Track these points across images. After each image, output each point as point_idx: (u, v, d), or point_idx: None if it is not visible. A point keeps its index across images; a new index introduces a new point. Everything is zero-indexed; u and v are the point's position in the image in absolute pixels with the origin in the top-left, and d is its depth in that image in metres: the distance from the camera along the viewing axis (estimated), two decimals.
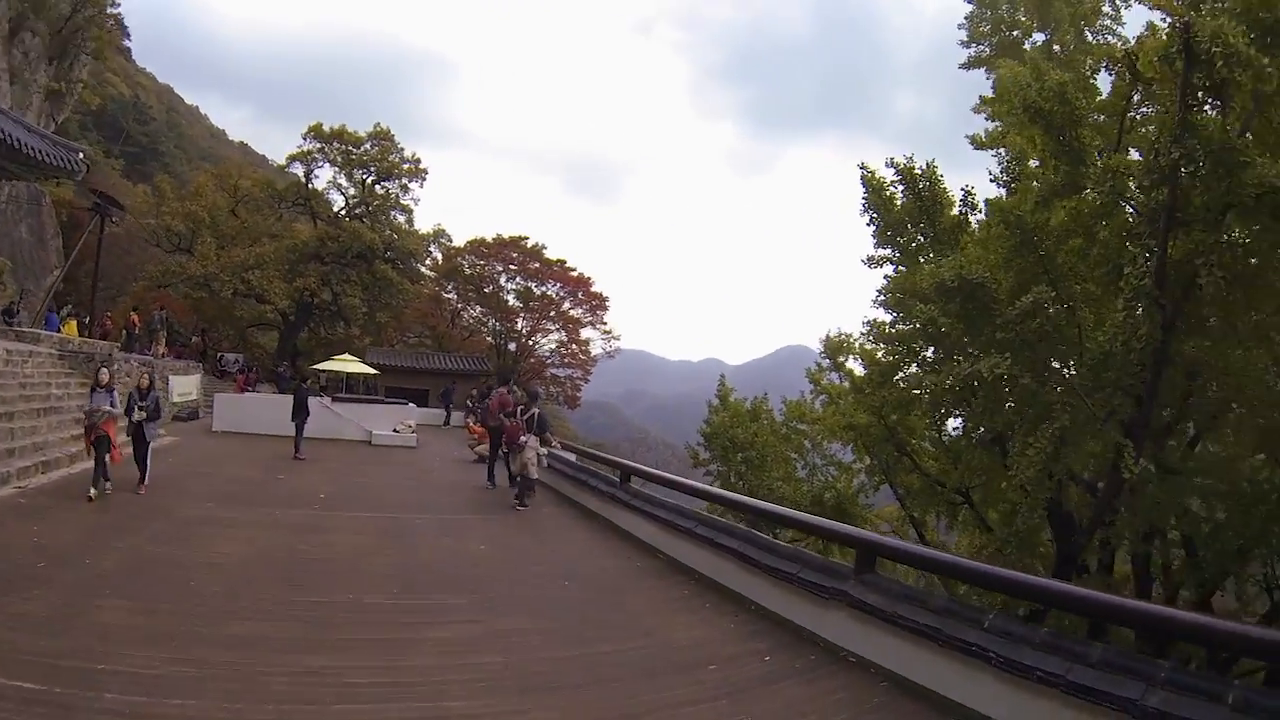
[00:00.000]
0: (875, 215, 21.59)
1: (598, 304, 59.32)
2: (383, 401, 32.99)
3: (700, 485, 13.82)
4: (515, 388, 24.04)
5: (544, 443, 16.99)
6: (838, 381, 31.60)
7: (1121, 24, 22.75)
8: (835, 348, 32.28)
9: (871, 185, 21.48)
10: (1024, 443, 16.03)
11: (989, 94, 25.00)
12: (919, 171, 20.78)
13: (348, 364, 36.79)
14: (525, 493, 16.49)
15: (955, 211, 21.00)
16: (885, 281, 22.39)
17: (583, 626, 8.56)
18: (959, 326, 17.62)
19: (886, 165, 21.17)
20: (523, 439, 16.57)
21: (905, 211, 21.24)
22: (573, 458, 19.62)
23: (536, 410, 17.07)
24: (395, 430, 28.18)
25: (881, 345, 22.83)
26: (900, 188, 21.29)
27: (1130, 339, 13.94)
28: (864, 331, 24.51)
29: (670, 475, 14.99)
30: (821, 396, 32.36)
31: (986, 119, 24.60)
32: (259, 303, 51.48)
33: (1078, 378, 15.39)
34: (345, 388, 42.16)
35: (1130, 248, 14.70)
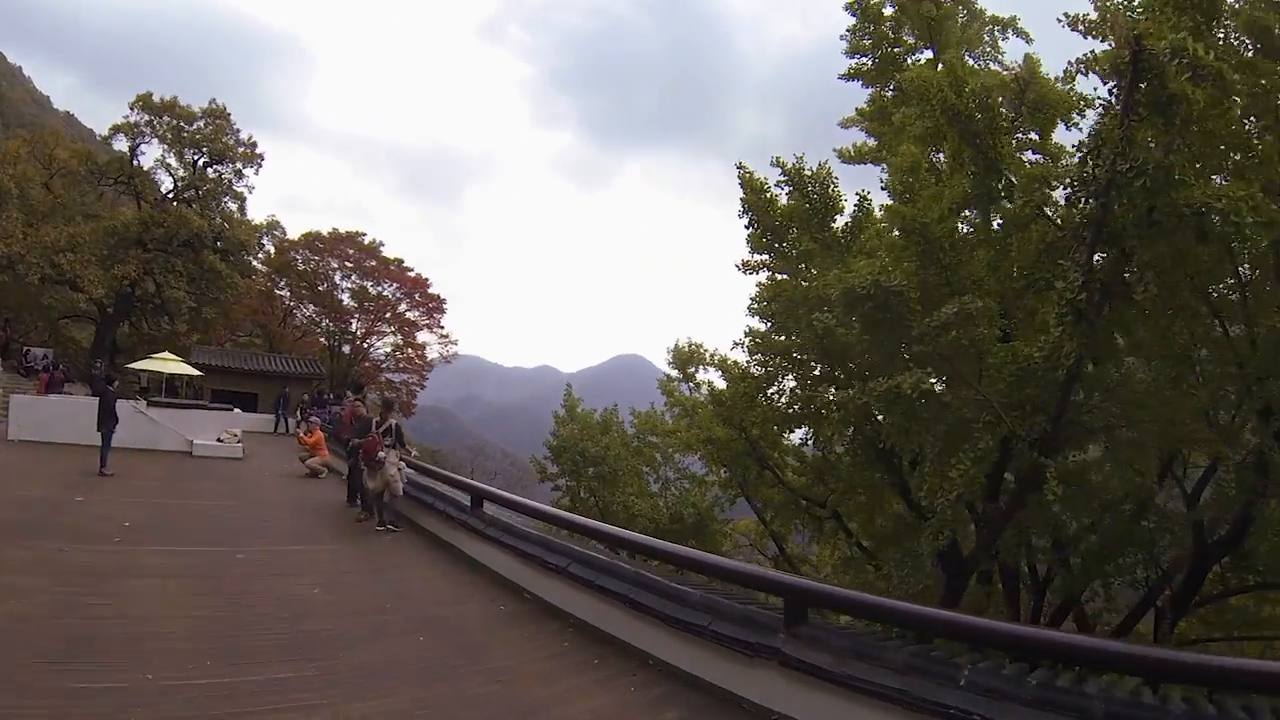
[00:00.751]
0: (754, 218, 20.34)
1: (435, 306, 57.65)
2: (206, 407, 29.96)
3: (576, 518, 11.93)
4: (368, 396, 21.84)
5: (403, 456, 15.40)
6: (688, 393, 31.03)
7: (1001, 54, 22.21)
8: (685, 358, 31.55)
9: (751, 186, 20.20)
10: (941, 463, 15.06)
11: (848, 114, 24.26)
12: (809, 173, 19.67)
13: (167, 363, 33.26)
14: (390, 514, 14.91)
15: (846, 218, 20.03)
16: (758, 289, 21.30)
17: (455, 705, 6.63)
18: (864, 339, 16.49)
19: (772, 165, 20.08)
20: (381, 454, 14.76)
21: (790, 214, 20.08)
22: (411, 473, 17.53)
23: (394, 420, 15.38)
24: (219, 439, 25.55)
25: (755, 356, 21.55)
26: (785, 189, 20.13)
27: (1056, 355, 13.02)
28: (738, 341, 23.27)
29: (535, 503, 13.19)
30: (675, 409, 31.76)
31: (861, 131, 23.72)
32: (72, 290, 45.84)
33: (997, 395, 14.33)
34: (166, 390, 38.47)
35: (1060, 261, 13.78)
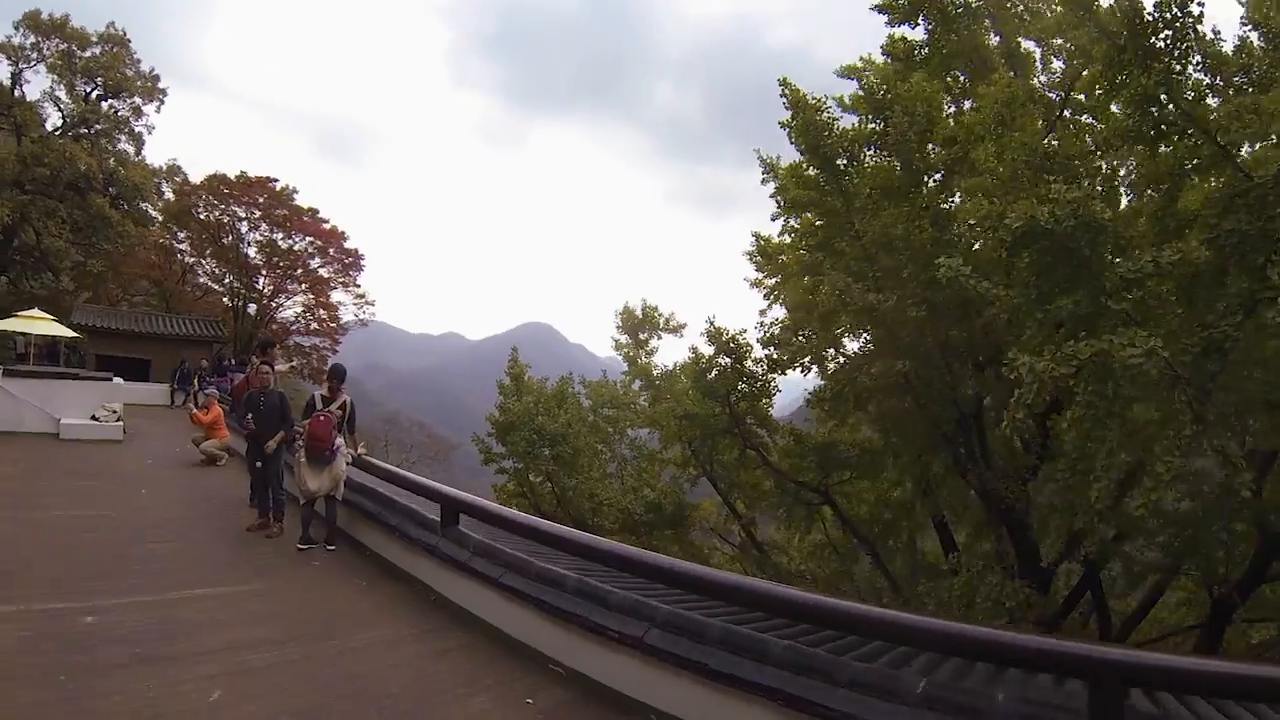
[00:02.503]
0: (808, 144, 16.89)
1: (351, 263, 52.33)
2: (77, 376, 24.47)
3: (621, 548, 7.81)
4: (276, 359, 16.96)
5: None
6: (642, 360, 29.63)
7: None
8: (637, 323, 28.36)
9: (803, 106, 16.78)
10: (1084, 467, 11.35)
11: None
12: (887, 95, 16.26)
13: (34, 323, 27.30)
14: (328, 525, 10.99)
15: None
16: (791, 236, 17.88)
17: None
18: (1026, 292, 12.58)
19: (839, 75, 17.88)
20: (338, 443, 10.88)
21: (860, 139, 16.61)
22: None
23: (347, 397, 11.30)
24: (95, 417, 20.64)
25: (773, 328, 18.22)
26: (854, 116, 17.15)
27: None
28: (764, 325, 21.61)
29: (549, 525, 8.73)
30: (635, 379, 29.98)
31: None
32: None
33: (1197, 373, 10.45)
34: (48, 357, 32.86)
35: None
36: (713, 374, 21.67)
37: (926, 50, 18.05)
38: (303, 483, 10.76)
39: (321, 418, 10.73)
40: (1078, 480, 11.60)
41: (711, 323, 22.22)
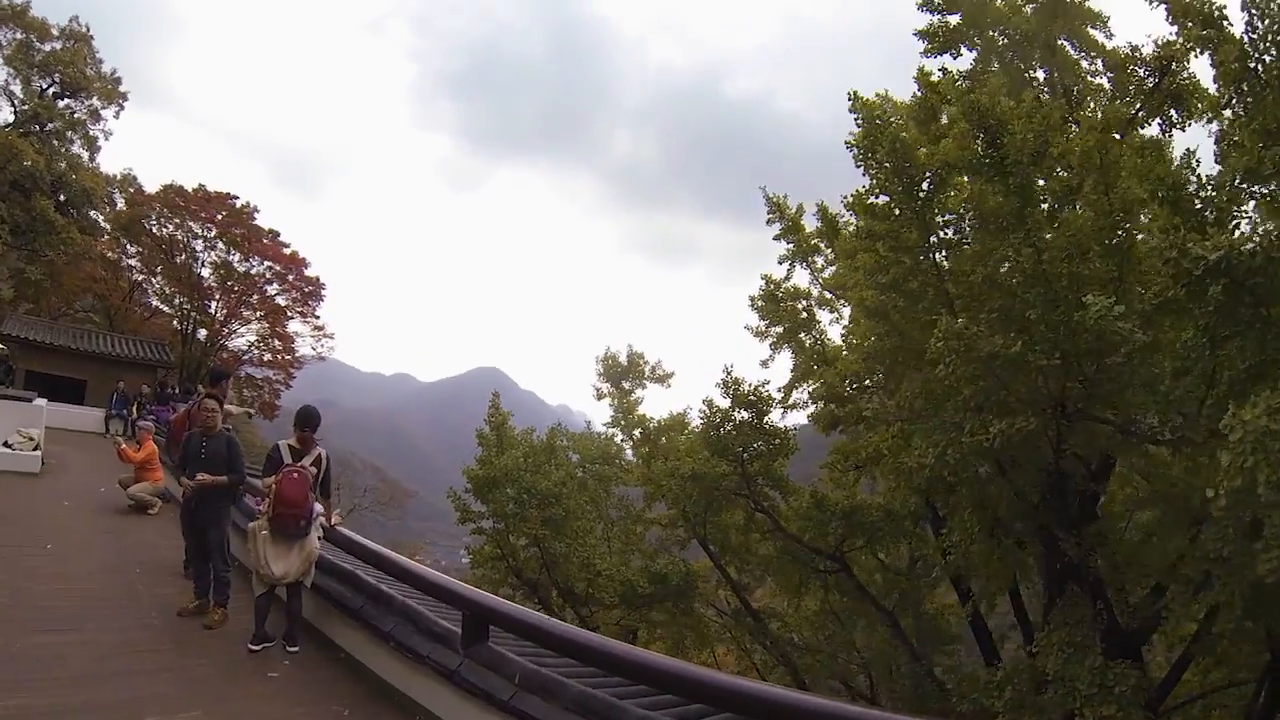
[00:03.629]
0: (880, 166, 14.63)
1: (311, 291, 48.79)
2: None
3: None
4: (228, 393, 13.64)
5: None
6: (618, 412, 26.96)
7: None
8: (621, 370, 27.40)
9: (875, 121, 14.78)
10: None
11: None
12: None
13: None
14: (294, 616, 8.14)
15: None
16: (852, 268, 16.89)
17: None
18: (1197, 338, 10.38)
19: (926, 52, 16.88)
20: (315, 511, 8.29)
21: (956, 159, 14.22)
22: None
23: (323, 451, 8.55)
24: (7, 444, 17.39)
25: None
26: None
27: None
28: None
29: (636, 652, 5.98)
30: (621, 430, 27.10)
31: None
32: None
33: None
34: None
35: None
36: (725, 429, 19.67)
37: (967, 82, 16.40)
38: (263, 564, 7.93)
39: (295, 475, 7.99)
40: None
41: (729, 373, 20.18)
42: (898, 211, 14.65)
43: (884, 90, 18.81)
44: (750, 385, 19.56)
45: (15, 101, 41.54)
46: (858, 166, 14.86)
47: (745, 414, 19.54)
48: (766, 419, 19.59)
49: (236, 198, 46.83)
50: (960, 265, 14.43)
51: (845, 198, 16.58)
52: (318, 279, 48.80)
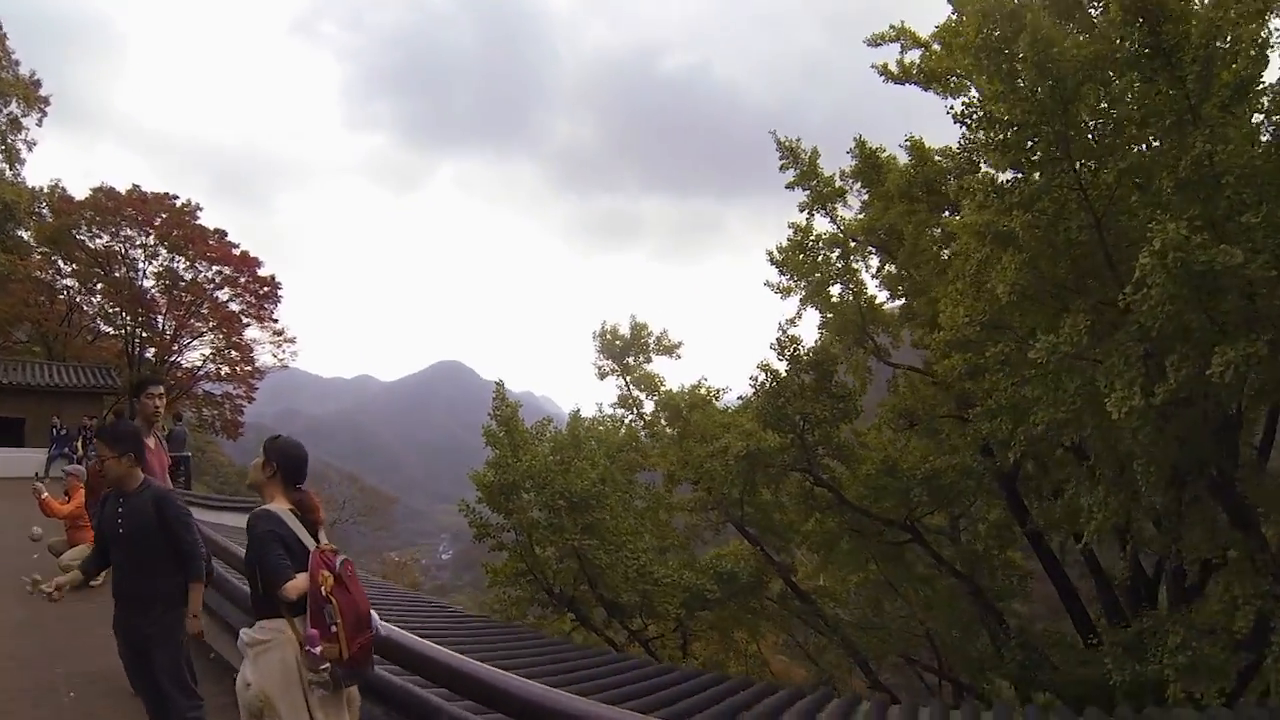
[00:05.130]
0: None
1: (267, 293, 45.06)
2: None
3: None
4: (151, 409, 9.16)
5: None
6: (626, 390, 25.47)
7: None
8: (623, 345, 25.35)
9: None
10: None
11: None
12: None
13: None
14: None
15: None
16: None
17: None
18: None
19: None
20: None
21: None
22: None
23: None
24: None
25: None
26: None
27: None
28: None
29: None
30: (635, 411, 25.53)
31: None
32: None
33: None
34: None
35: None
36: (786, 396, 17.72)
37: None
38: None
39: (350, 570, 4.45)
40: None
41: (784, 331, 18.58)
42: (1032, 119, 11.81)
43: None
44: (808, 344, 18.08)
45: None
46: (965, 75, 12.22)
47: (808, 377, 17.74)
48: (834, 379, 17.99)
49: (176, 197, 43.15)
50: (1106, 177, 11.82)
51: (950, 108, 13.89)
52: (273, 278, 45.25)
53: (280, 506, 4.58)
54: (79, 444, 25.46)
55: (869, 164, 19.65)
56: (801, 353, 17.85)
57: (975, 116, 13.04)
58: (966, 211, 13.72)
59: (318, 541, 4.55)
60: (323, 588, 4.19)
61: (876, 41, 20.75)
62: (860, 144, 19.84)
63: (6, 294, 39.02)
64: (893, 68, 20.10)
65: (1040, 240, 12.03)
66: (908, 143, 18.50)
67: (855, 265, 21.12)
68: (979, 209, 13.08)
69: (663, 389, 23.42)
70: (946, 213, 18.34)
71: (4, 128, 40.30)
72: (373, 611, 4.51)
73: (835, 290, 21.29)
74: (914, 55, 20.51)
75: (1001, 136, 12.37)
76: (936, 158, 18.31)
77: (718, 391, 22.51)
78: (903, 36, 20.49)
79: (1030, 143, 12.09)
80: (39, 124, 41.71)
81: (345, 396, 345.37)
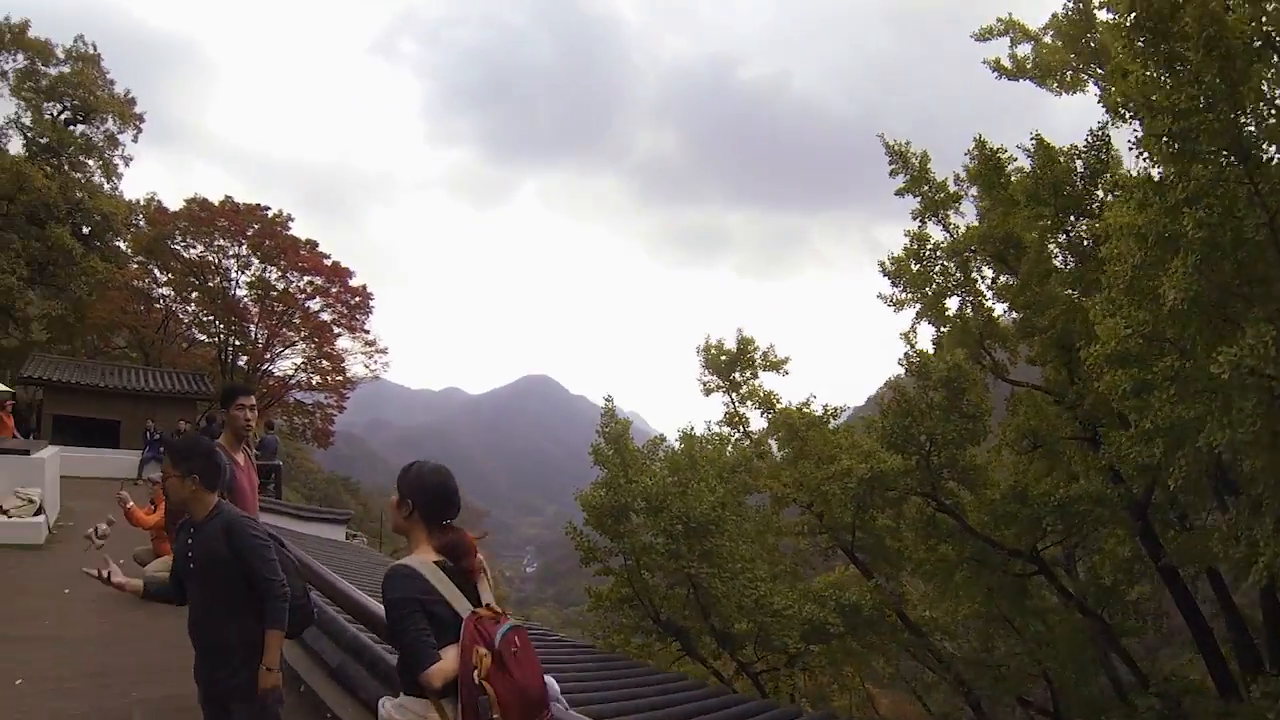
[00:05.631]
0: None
1: (358, 304, 44.61)
2: None
3: None
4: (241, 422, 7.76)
5: None
6: (733, 407, 24.04)
7: None
8: (729, 361, 23.86)
9: None
10: None
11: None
12: None
13: None
14: None
15: None
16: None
17: None
18: None
19: None
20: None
21: None
22: None
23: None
24: (3, 510, 13.58)
25: None
26: None
27: None
28: None
29: None
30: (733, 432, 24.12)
31: None
32: None
33: None
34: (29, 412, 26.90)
35: None
36: (914, 415, 16.74)
37: None
38: None
39: (516, 641, 3.35)
40: None
41: (911, 345, 17.96)
42: (1198, 104, 10.56)
43: None
44: (948, 362, 16.68)
45: (26, 132, 38.13)
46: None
47: (938, 394, 16.57)
48: (967, 397, 16.62)
49: (268, 208, 43.10)
50: None
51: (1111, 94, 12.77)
52: (364, 289, 44.86)
53: (423, 558, 3.51)
54: (159, 447, 24.71)
55: (989, 166, 18.31)
56: (938, 368, 16.74)
57: (1132, 105, 11.93)
58: (1120, 212, 12.49)
59: (476, 600, 3.53)
60: (477, 671, 3.15)
61: (984, 36, 20.39)
62: (980, 144, 18.49)
63: (106, 301, 39.26)
64: (1006, 63, 19.92)
65: (1204, 242, 10.81)
66: (1032, 141, 17.15)
67: (974, 275, 20.02)
68: (1139, 208, 11.85)
69: (778, 406, 22.23)
70: (1073, 217, 17.16)
71: (101, 144, 40.30)
72: (551, 683, 3.51)
73: (952, 303, 20.28)
74: (1024, 49, 20.27)
75: (1166, 124, 11.11)
76: (1063, 158, 16.98)
77: (834, 410, 21.26)
78: (1012, 30, 20.20)
79: (1196, 133, 10.85)
80: (134, 140, 41.65)
81: (433, 408, 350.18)
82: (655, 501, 17.12)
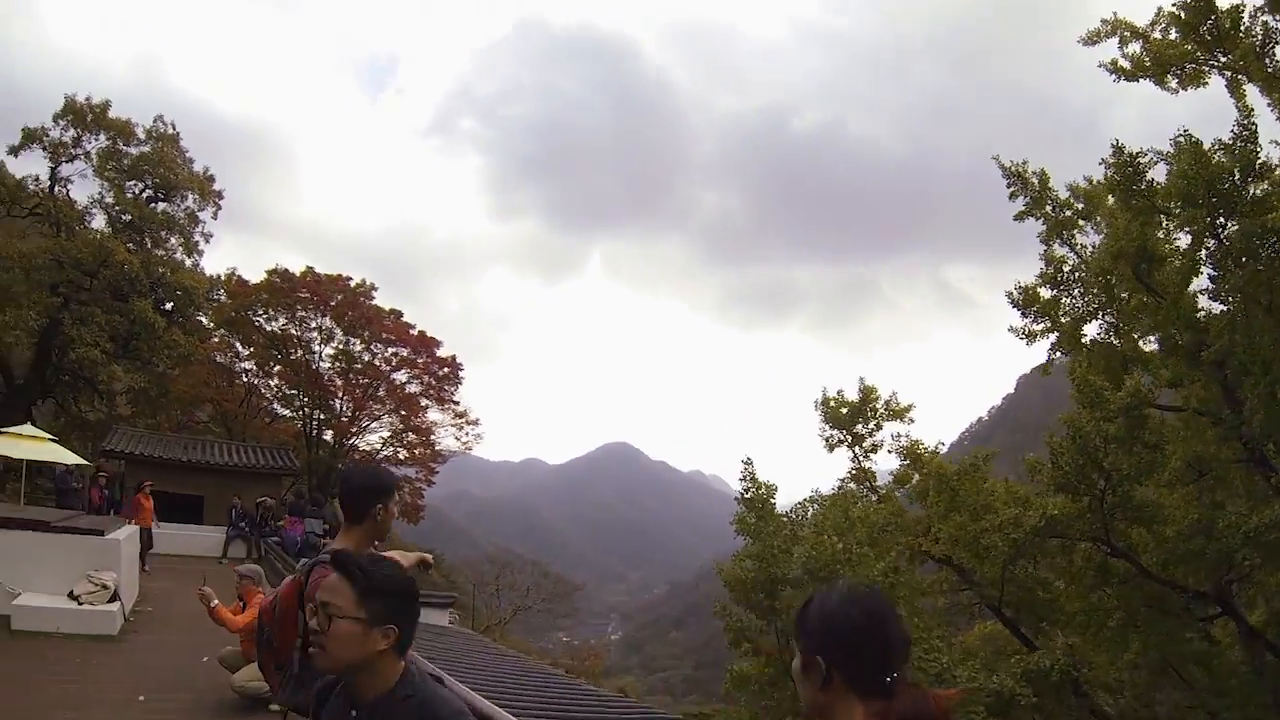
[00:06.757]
0: None
1: (447, 374, 43.25)
2: (49, 527, 14.45)
3: None
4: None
5: None
6: (856, 460, 22.79)
7: None
8: (850, 414, 22.50)
9: None
10: None
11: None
12: None
13: (23, 443, 19.21)
14: None
15: None
16: None
17: None
18: None
19: None
20: None
21: None
22: None
23: None
24: (75, 595, 12.10)
25: None
26: None
27: None
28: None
29: None
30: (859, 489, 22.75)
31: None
32: None
33: None
34: (92, 487, 23.78)
35: None
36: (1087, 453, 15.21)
37: None
38: None
39: None
40: None
41: (1083, 375, 16.17)
42: None
43: None
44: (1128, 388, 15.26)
45: (110, 210, 37.81)
46: None
47: (1115, 425, 14.98)
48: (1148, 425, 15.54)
49: (350, 278, 42.58)
50: None
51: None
52: (453, 359, 43.69)
53: None
54: (260, 521, 24.46)
55: (1127, 172, 17.01)
56: (1110, 397, 15.11)
57: None
58: None
59: None
60: None
61: (1092, 40, 19.65)
62: (1117, 149, 17.23)
63: (188, 375, 39.13)
64: (1123, 63, 19.02)
65: None
66: (1179, 139, 16.20)
67: (1118, 294, 18.88)
68: None
69: (924, 458, 20.47)
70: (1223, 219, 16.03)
71: (182, 220, 40.06)
72: None
73: (1090, 329, 19.59)
74: (1134, 48, 19.18)
75: None
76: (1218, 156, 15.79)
77: (988, 455, 19.45)
78: (1120, 29, 19.26)
79: None
80: (214, 217, 41.24)
81: (513, 479, 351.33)
82: (821, 572, 15.51)
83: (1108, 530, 15.42)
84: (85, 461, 22.59)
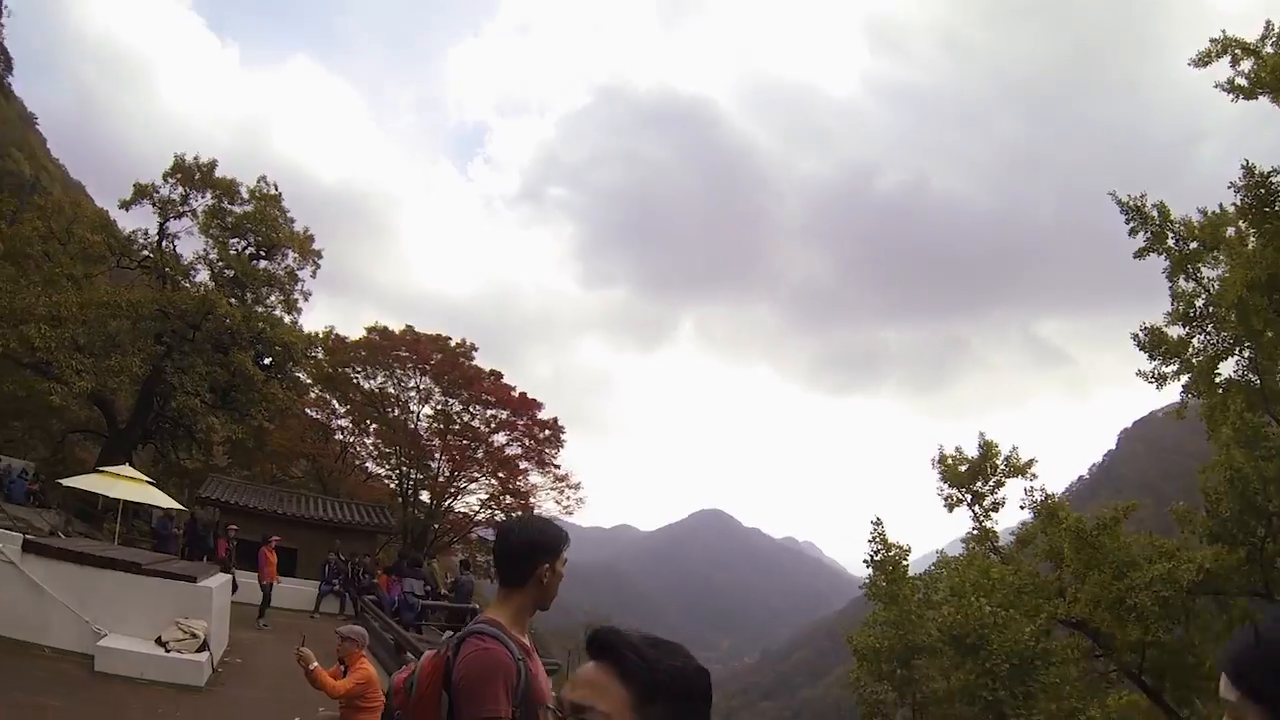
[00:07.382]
0: None
1: (548, 437, 42.69)
2: (139, 569, 13.88)
3: None
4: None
5: None
6: (978, 519, 21.28)
7: None
8: (971, 471, 21.21)
9: None
10: None
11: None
12: None
13: (120, 483, 19.60)
14: None
15: None
16: None
17: None
18: None
19: None
20: None
21: None
22: None
23: None
24: (163, 642, 11.65)
25: None
26: None
27: None
28: None
29: None
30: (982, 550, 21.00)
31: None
32: (41, 376, 31.52)
33: None
34: (190, 535, 24.84)
35: None
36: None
37: None
38: None
39: None
40: None
41: (1238, 414, 15.07)
42: None
43: None
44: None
45: (214, 266, 38.65)
46: None
47: (1272, 465, 13.52)
48: None
49: (449, 338, 42.67)
50: None
51: None
52: (555, 421, 43.17)
53: None
54: (356, 577, 24.49)
55: (1257, 195, 16.10)
56: (1272, 434, 14.06)
57: None
58: None
59: None
60: None
61: (1203, 61, 19.10)
62: (1248, 170, 16.32)
63: (285, 429, 39.55)
64: (1241, 82, 18.06)
65: None
66: None
67: (1259, 327, 17.47)
68: None
69: (1061, 514, 19.20)
70: None
71: (283, 277, 40.55)
72: None
73: (1225, 367, 18.54)
74: (1246, 65, 18.42)
75: None
76: None
77: (1128, 508, 17.98)
78: (1230, 48, 18.63)
79: None
80: (313, 275, 41.52)
81: (604, 545, 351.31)
82: (967, 637, 14.32)
83: (1268, 582, 14.13)
84: (181, 506, 22.72)
